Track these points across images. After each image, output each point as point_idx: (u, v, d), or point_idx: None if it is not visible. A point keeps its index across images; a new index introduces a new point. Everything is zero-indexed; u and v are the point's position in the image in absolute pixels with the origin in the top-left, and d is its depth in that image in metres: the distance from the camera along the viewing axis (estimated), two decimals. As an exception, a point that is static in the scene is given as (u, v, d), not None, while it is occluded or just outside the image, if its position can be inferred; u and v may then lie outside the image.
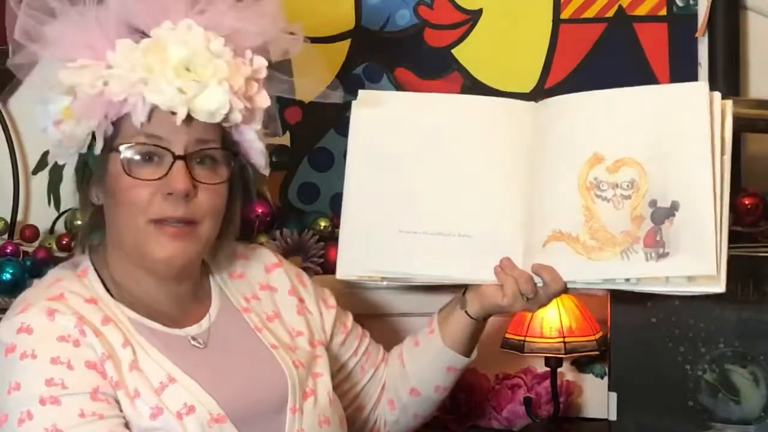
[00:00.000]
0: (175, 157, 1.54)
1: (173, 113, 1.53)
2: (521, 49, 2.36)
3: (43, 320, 1.52)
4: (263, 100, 1.59)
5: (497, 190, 1.72)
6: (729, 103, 1.67)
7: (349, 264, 1.77)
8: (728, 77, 2.29)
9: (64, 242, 2.13)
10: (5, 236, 2.17)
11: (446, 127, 1.75)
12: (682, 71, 2.32)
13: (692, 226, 1.61)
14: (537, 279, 1.71)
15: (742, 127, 2.18)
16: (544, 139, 1.70)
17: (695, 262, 1.60)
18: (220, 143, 1.59)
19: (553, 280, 1.69)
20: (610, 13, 2.35)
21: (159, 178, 1.53)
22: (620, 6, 2.34)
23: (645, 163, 1.64)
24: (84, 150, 1.58)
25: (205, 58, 1.52)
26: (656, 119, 1.66)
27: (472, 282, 1.77)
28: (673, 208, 1.62)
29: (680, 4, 2.33)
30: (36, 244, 2.16)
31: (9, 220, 2.19)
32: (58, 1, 1.55)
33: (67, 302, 1.55)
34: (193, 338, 1.61)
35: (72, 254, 1.90)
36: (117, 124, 1.55)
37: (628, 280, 1.65)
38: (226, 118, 1.56)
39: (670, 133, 1.65)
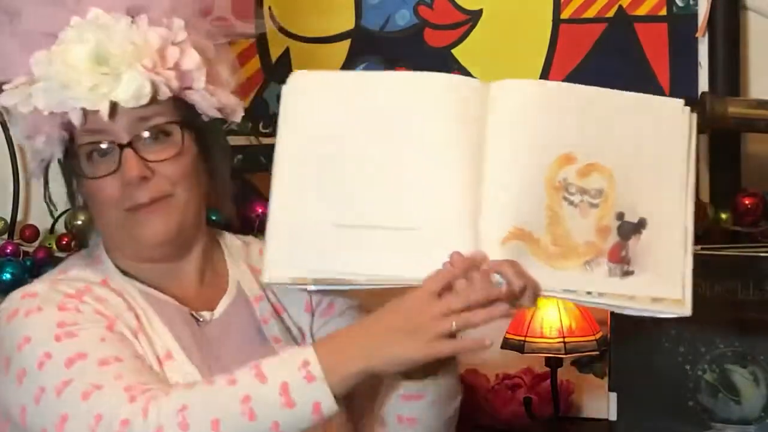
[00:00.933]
0: (122, 147, 1.53)
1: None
2: (521, 49, 2.36)
3: (46, 286, 1.54)
4: (190, 61, 1.55)
5: (447, 177, 1.50)
6: (695, 116, 1.58)
7: (276, 265, 1.52)
8: (728, 77, 2.29)
9: (64, 242, 2.13)
10: (5, 236, 2.17)
11: (387, 107, 1.53)
12: (682, 71, 2.32)
13: (659, 247, 1.51)
14: (497, 279, 1.49)
15: (742, 127, 2.19)
16: (503, 124, 1.50)
17: (660, 284, 1.50)
18: (168, 113, 1.56)
19: (517, 276, 1.46)
20: (610, 13, 2.35)
21: (114, 171, 1.54)
22: (620, 6, 2.34)
23: (616, 173, 1.51)
24: (60, 157, 1.59)
25: (113, 46, 1.51)
26: (635, 130, 1.54)
27: (418, 283, 1.49)
28: (641, 224, 1.51)
29: (680, 4, 2.33)
30: (36, 244, 2.16)
31: (9, 220, 2.19)
32: None
33: (74, 280, 1.56)
34: (200, 320, 1.60)
35: (72, 253, 1.89)
36: (70, 129, 1.55)
37: (590, 293, 1.51)
38: (157, 95, 1.53)
39: (647, 147, 1.53)
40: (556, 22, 2.36)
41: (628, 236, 1.50)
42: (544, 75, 2.36)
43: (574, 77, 2.35)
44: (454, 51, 2.38)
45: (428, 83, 1.53)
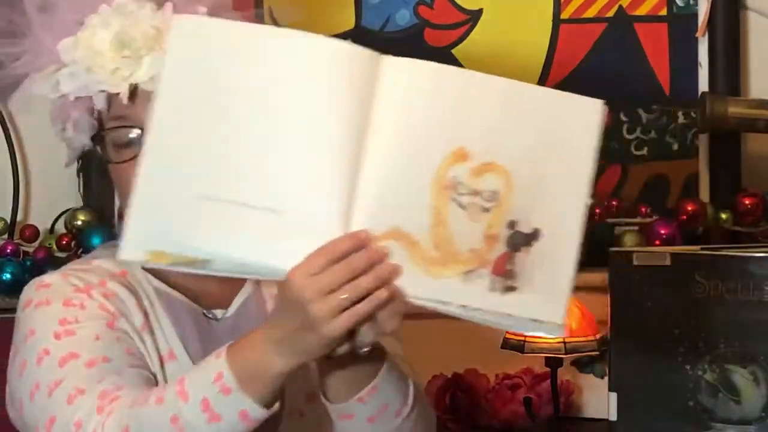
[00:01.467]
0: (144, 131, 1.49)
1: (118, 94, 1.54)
2: (521, 49, 2.36)
3: (59, 278, 1.55)
4: None
5: (323, 158, 1.32)
6: (603, 115, 1.42)
7: (134, 240, 1.34)
8: (728, 77, 2.29)
9: (64, 242, 2.13)
10: (5, 236, 2.17)
11: (272, 70, 1.34)
12: (682, 71, 2.32)
13: (550, 264, 1.35)
14: None
15: (742, 127, 2.19)
16: (390, 108, 1.34)
17: (544, 306, 1.35)
18: None
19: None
20: (610, 13, 2.35)
21: (137, 156, 1.54)
22: (620, 6, 2.34)
23: (515, 177, 1.34)
24: (89, 145, 1.60)
25: (135, 31, 1.53)
26: (543, 131, 1.37)
27: (275, 275, 1.34)
28: (533, 236, 1.35)
29: (680, 4, 2.33)
30: (36, 244, 2.16)
31: (9, 220, 2.19)
32: (18, 19, 1.58)
33: (91, 272, 1.56)
34: (212, 318, 1.60)
35: (74, 254, 1.90)
36: (98, 117, 1.58)
37: (464, 306, 1.35)
38: None
39: (554, 151, 1.36)
40: (556, 22, 2.36)
41: (517, 248, 1.35)
42: (544, 75, 2.36)
43: (574, 77, 2.35)
44: (454, 51, 2.38)
45: (318, 47, 1.34)
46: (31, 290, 1.55)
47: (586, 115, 1.40)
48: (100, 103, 1.54)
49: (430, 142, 1.33)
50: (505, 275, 1.34)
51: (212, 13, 1.56)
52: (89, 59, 1.53)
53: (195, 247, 1.33)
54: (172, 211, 1.34)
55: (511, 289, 1.34)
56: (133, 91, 1.53)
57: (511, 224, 1.34)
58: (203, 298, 1.60)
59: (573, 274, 1.35)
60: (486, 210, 1.33)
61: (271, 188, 1.32)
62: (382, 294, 1.28)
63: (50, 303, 1.51)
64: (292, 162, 1.32)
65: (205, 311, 1.59)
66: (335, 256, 1.28)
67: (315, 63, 1.33)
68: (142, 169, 1.35)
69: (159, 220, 1.34)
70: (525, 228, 1.34)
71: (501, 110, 1.35)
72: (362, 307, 1.28)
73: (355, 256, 1.28)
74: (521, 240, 1.34)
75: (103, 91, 1.54)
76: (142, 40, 1.52)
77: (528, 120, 1.36)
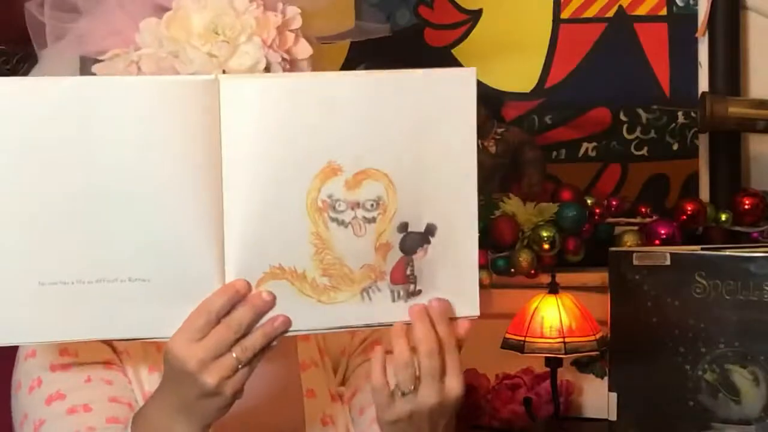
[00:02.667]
0: None
1: None
2: (521, 49, 2.36)
3: None
4: (303, 51, 1.47)
5: (178, 212, 1.18)
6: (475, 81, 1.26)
7: None
8: (728, 77, 2.29)
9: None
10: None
11: (97, 131, 1.17)
12: (682, 71, 2.32)
13: (452, 255, 1.26)
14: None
15: (742, 127, 2.19)
16: (237, 136, 1.19)
17: (455, 301, 1.27)
18: None
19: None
20: (610, 13, 2.35)
21: None
22: (620, 6, 2.34)
23: (395, 176, 1.23)
24: None
25: (231, 17, 1.44)
26: (413, 118, 1.23)
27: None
28: (428, 232, 1.25)
29: (680, 4, 2.33)
30: (36, 244, 2.16)
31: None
32: None
33: None
34: None
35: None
36: None
37: (368, 325, 1.28)
38: None
39: (431, 135, 1.24)
40: (556, 22, 2.36)
41: (413, 250, 1.25)
42: (544, 75, 2.36)
43: (574, 77, 2.35)
44: (454, 51, 2.38)
45: (142, 90, 1.18)
46: None
47: (459, 88, 1.25)
48: None
49: (293, 164, 1.20)
50: (406, 281, 1.25)
51: (305, 14, 1.49)
52: (181, 40, 1.43)
53: (50, 341, 1.23)
54: (12, 304, 1.18)
55: (415, 294, 1.26)
56: None
57: (403, 227, 1.24)
58: None
59: (476, 259, 1.27)
60: (371, 220, 1.23)
61: (132, 256, 1.19)
62: (272, 344, 1.22)
63: None
64: (147, 222, 1.19)
65: None
66: (213, 315, 1.19)
67: (142, 107, 1.18)
68: None
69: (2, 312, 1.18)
70: (418, 227, 1.25)
71: (364, 109, 1.22)
72: (254, 362, 1.22)
73: (237, 312, 1.20)
74: (416, 241, 1.25)
75: (191, 75, 1.40)
76: (240, 28, 1.43)
77: (397, 110, 1.23)
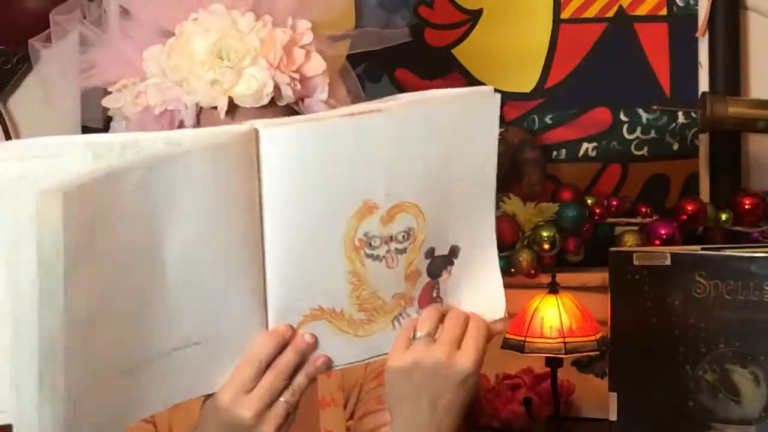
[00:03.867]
0: None
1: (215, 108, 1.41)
2: (521, 49, 2.36)
3: None
4: (315, 67, 1.44)
5: (221, 272, 1.15)
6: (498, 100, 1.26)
7: None
8: (728, 77, 2.29)
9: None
10: None
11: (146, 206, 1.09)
12: (682, 71, 2.32)
13: (475, 271, 1.28)
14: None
15: (742, 127, 2.19)
16: (279, 187, 1.16)
17: (481, 311, 1.28)
18: None
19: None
20: (610, 13, 2.35)
21: None
22: (620, 6, 2.34)
23: (423, 207, 1.22)
24: None
25: (234, 39, 1.40)
26: (438, 143, 1.22)
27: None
28: (452, 254, 1.26)
29: (680, 4, 2.33)
30: (36, 244, 2.16)
31: (9, 220, 2.18)
32: (84, 28, 1.47)
33: None
34: None
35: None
36: None
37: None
38: (276, 98, 1.42)
39: (454, 158, 1.23)
40: (556, 22, 2.36)
41: (439, 273, 1.27)
42: (544, 75, 2.36)
43: (574, 77, 2.35)
44: (454, 51, 2.38)
45: (192, 149, 1.10)
46: None
47: (481, 110, 1.24)
48: (188, 118, 1.41)
49: (330, 207, 1.19)
50: (432, 302, 1.27)
51: (314, 29, 1.44)
52: (184, 69, 1.39)
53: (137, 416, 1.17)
54: (102, 396, 1.10)
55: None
56: (230, 105, 1.40)
57: (429, 252, 1.25)
58: None
59: (498, 272, 1.28)
60: (402, 251, 1.24)
61: (189, 323, 1.15)
62: (307, 386, 1.23)
63: None
64: (198, 286, 1.15)
65: None
66: (263, 365, 1.19)
67: (188, 170, 1.10)
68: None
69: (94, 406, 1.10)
70: (443, 250, 1.26)
71: (393, 140, 1.20)
72: (296, 404, 1.22)
73: (283, 357, 1.20)
74: (441, 264, 1.26)
75: (195, 104, 1.40)
76: (244, 51, 1.39)
77: (423, 138, 1.22)
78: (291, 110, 1.44)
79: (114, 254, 1.07)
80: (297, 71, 1.43)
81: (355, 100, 1.53)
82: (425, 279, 1.26)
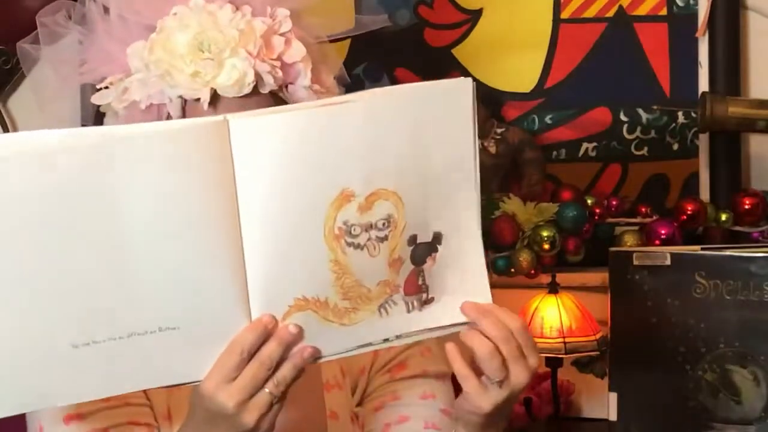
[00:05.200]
0: None
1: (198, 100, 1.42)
2: (521, 49, 2.37)
3: None
4: (296, 53, 1.46)
5: (198, 256, 1.18)
6: (474, 88, 1.25)
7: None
8: (728, 77, 2.29)
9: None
10: None
11: (103, 176, 1.13)
12: (682, 71, 2.32)
13: (459, 258, 1.28)
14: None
15: (742, 127, 2.19)
16: (253, 177, 1.18)
17: (467, 299, 1.28)
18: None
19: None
20: (610, 13, 2.35)
21: None
22: (620, 6, 2.34)
23: (402, 191, 1.23)
24: None
25: (214, 32, 1.42)
26: (413, 131, 1.23)
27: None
28: (436, 241, 1.26)
29: (680, 4, 2.33)
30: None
31: (9, 220, 2.18)
32: (68, 27, 1.48)
33: None
34: None
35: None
36: None
37: (387, 339, 1.29)
38: (259, 86, 1.43)
39: (431, 146, 1.24)
40: (556, 22, 2.36)
41: (423, 260, 1.27)
42: (544, 75, 2.36)
43: (574, 77, 2.35)
44: (454, 51, 2.39)
45: (159, 136, 1.15)
46: None
47: (456, 98, 1.25)
48: (174, 111, 1.43)
49: (307, 196, 1.20)
50: (419, 291, 1.27)
51: (294, 16, 1.46)
52: (166, 63, 1.42)
53: (83, 395, 1.20)
54: (42, 368, 1.15)
55: (428, 302, 1.28)
56: (213, 96, 1.42)
57: (412, 239, 1.25)
58: None
59: (483, 259, 1.29)
60: (383, 239, 1.24)
61: (159, 306, 1.18)
62: (297, 376, 1.23)
63: None
64: (171, 271, 1.17)
65: None
66: (245, 354, 1.20)
67: (156, 156, 1.14)
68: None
69: (25, 378, 1.16)
70: (425, 237, 1.26)
71: (368, 131, 1.21)
72: (285, 395, 1.23)
73: (266, 348, 1.20)
74: (425, 251, 1.26)
75: (179, 97, 1.43)
76: (223, 42, 1.42)
77: (398, 127, 1.22)
78: (277, 98, 1.45)
79: (70, 225, 1.12)
80: (277, 59, 1.45)
81: (339, 82, 1.55)
82: (409, 266, 1.26)
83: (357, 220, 1.22)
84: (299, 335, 1.22)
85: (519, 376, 1.26)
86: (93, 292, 1.15)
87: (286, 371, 1.21)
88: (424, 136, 1.23)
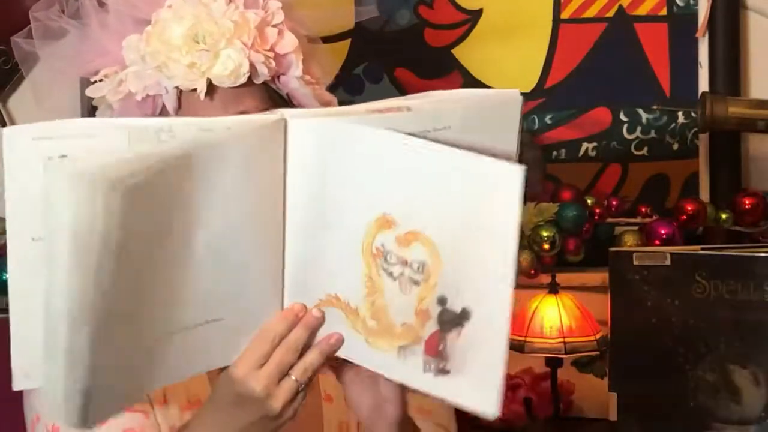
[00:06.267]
0: None
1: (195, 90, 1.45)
2: (521, 49, 2.36)
3: None
4: (288, 44, 1.49)
5: (242, 250, 1.20)
6: (522, 179, 1.16)
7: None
8: (728, 77, 2.29)
9: (64, 242, 2.12)
10: (5, 236, 2.17)
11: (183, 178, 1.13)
12: (682, 71, 2.32)
13: (481, 349, 1.22)
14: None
15: (742, 127, 2.19)
16: (304, 175, 1.20)
17: (476, 394, 1.23)
18: (261, 99, 1.47)
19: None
20: (610, 13, 2.35)
21: None
22: (620, 6, 2.34)
23: (440, 249, 1.21)
24: None
25: (209, 23, 1.45)
26: (462, 198, 1.18)
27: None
28: (463, 316, 1.22)
29: (680, 4, 2.33)
30: (36, 244, 2.16)
31: (9, 220, 2.18)
32: (64, 22, 1.51)
33: None
34: None
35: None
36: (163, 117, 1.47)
37: (402, 383, 1.30)
38: (253, 77, 1.46)
39: (475, 225, 1.19)
40: (556, 22, 2.36)
41: (448, 328, 1.23)
42: (544, 75, 2.36)
43: (574, 77, 2.35)
44: (454, 51, 2.38)
45: (212, 134, 1.15)
46: None
47: (505, 185, 1.17)
48: (170, 102, 1.45)
49: (351, 208, 1.21)
50: (438, 356, 1.23)
51: (286, 8, 1.49)
52: (162, 55, 1.44)
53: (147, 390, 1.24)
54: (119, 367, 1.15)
55: (444, 372, 1.24)
56: (209, 86, 1.45)
57: (441, 300, 1.22)
58: None
59: (503, 361, 1.21)
60: (416, 283, 1.21)
61: (210, 300, 1.20)
62: (323, 363, 1.26)
63: None
64: (221, 265, 1.19)
65: None
66: (277, 341, 1.23)
67: (217, 149, 1.14)
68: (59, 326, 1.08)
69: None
70: (454, 306, 1.21)
71: (419, 174, 1.19)
72: (308, 382, 1.25)
73: (293, 334, 1.24)
74: (450, 320, 1.22)
75: (176, 88, 1.45)
76: (218, 33, 1.45)
77: (448, 186, 1.19)
78: (269, 88, 1.48)
79: (147, 234, 1.10)
80: (271, 50, 1.47)
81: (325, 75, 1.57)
82: (434, 325, 1.22)
83: (394, 249, 1.21)
84: (322, 319, 1.24)
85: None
86: (167, 287, 1.16)
87: (312, 357, 1.24)
88: (470, 212, 1.18)
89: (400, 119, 1.20)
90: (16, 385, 1.16)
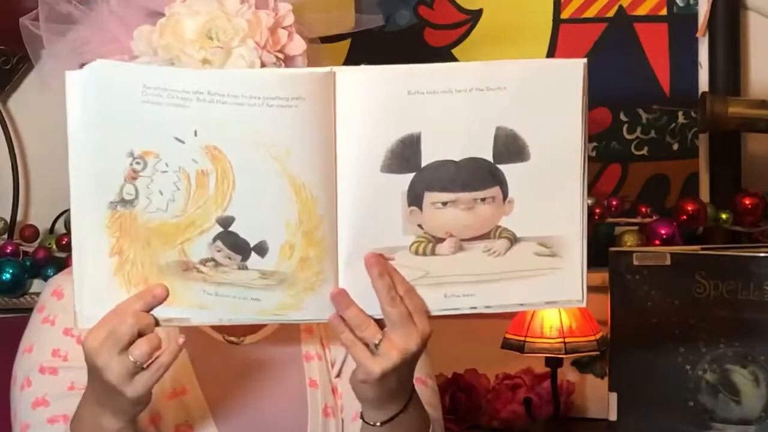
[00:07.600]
0: None
1: None
2: (521, 49, 2.36)
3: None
4: (297, 47, 1.50)
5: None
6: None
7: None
8: (728, 77, 2.29)
9: (64, 242, 2.13)
10: (5, 236, 2.17)
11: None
12: (682, 71, 2.32)
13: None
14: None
15: (742, 127, 2.19)
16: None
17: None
18: None
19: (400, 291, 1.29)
20: (610, 13, 2.35)
21: None
22: (620, 6, 2.34)
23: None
24: None
25: (223, 21, 1.45)
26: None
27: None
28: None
29: (680, 4, 2.33)
30: (36, 244, 2.16)
31: (9, 220, 2.18)
32: (72, 6, 1.51)
33: None
34: (237, 343, 1.53)
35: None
36: None
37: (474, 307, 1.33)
38: None
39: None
40: (556, 22, 2.36)
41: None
42: (544, 75, 2.36)
43: (574, 77, 2.36)
44: (454, 51, 2.38)
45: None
46: (47, 293, 1.51)
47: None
48: None
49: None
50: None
51: (295, 11, 1.50)
52: (175, 48, 1.45)
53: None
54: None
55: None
56: None
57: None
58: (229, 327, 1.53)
59: (583, 242, 1.33)
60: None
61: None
62: (167, 360, 1.26)
63: (54, 323, 1.47)
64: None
65: (228, 338, 1.53)
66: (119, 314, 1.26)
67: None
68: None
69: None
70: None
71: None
72: (153, 375, 1.26)
73: (124, 303, 1.26)
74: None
75: None
76: (233, 31, 1.45)
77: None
78: None
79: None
80: (281, 51, 1.48)
81: None
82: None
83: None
84: (162, 297, 1.27)
85: (408, 341, 1.28)
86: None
87: (151, 337, 1.26)
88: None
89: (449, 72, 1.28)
90: (80, 325, 1.28)
